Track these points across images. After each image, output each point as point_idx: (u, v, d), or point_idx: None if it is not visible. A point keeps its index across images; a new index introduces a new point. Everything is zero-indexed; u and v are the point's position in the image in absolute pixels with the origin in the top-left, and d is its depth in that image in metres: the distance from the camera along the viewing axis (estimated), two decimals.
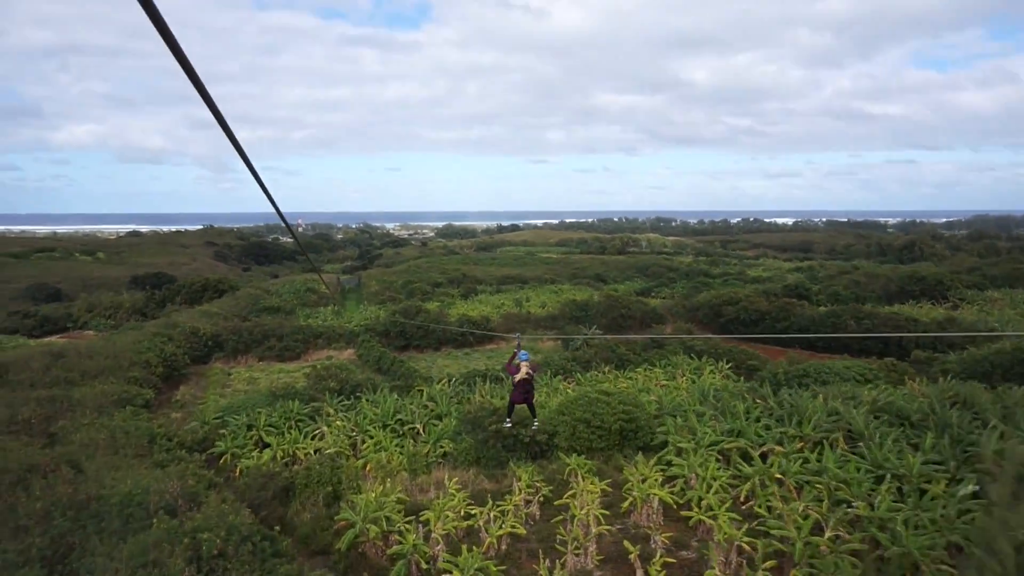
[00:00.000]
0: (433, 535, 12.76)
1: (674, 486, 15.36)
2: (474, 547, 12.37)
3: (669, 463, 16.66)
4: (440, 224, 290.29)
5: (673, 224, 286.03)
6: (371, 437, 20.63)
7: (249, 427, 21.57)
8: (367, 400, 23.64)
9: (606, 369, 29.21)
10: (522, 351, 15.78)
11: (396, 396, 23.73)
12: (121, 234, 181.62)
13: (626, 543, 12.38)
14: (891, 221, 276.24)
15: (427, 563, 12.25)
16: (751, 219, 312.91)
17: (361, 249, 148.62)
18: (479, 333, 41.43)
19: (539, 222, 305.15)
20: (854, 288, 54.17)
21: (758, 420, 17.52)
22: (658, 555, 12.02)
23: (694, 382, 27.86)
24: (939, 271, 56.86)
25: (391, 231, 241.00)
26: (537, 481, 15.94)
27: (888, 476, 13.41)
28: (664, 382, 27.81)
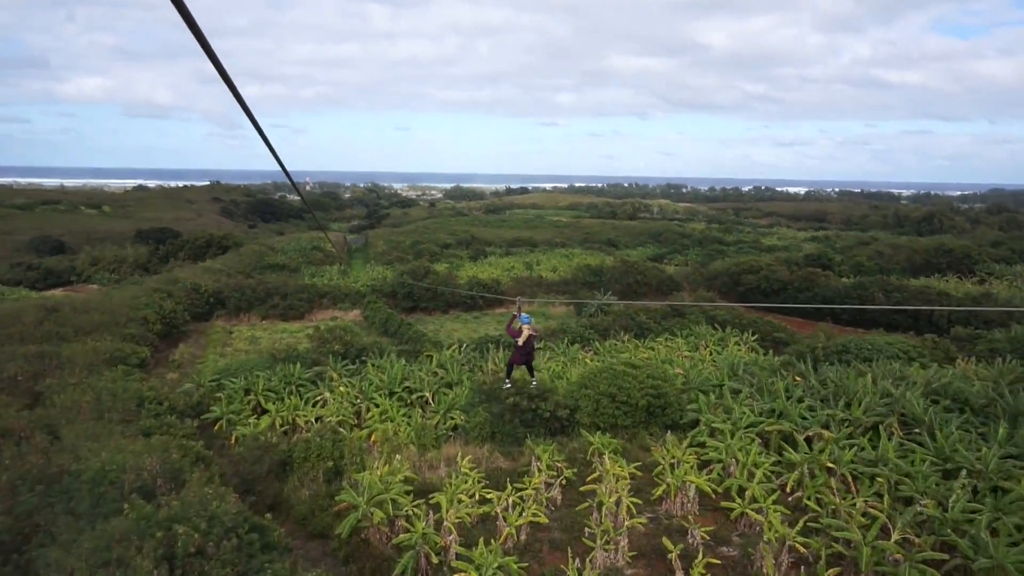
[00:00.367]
0: (445, 523, 11.35)
1: (710, 472, 13.92)
2: (492, 540, 10.98)
3: (702, 445, 15.23)
4: (448, 185, 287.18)
5: (684, 191, 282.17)
6: (376, 406, 19.24)
7: (247, 391, 20.21)
8: (373, 365, 22.22)
9: (625, 338, 27.67)
10: (524, 314, 14.60)
11: (404, 362, 22.29)
12: (128, 189, 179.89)
13: (665, 541, 10.93)
14: (905, 192, 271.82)
15: (438, 555, 10.87)
16: (763, 187, 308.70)
17: (369, 208, 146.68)
18: (490, 296, 39.87)
19: (548, 186, 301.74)
20: (877, 259, 52.26)
21: (800, 400, 15.99)
22: (701, 554, 10.58)
23: (718, 354, 26.34)
24: (966, 244, 54.77)
25: (399, 191, 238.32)
26: (558, 461, 14.52)
27: (964, 471, 11.84)
28: (687, 353, 26.28)
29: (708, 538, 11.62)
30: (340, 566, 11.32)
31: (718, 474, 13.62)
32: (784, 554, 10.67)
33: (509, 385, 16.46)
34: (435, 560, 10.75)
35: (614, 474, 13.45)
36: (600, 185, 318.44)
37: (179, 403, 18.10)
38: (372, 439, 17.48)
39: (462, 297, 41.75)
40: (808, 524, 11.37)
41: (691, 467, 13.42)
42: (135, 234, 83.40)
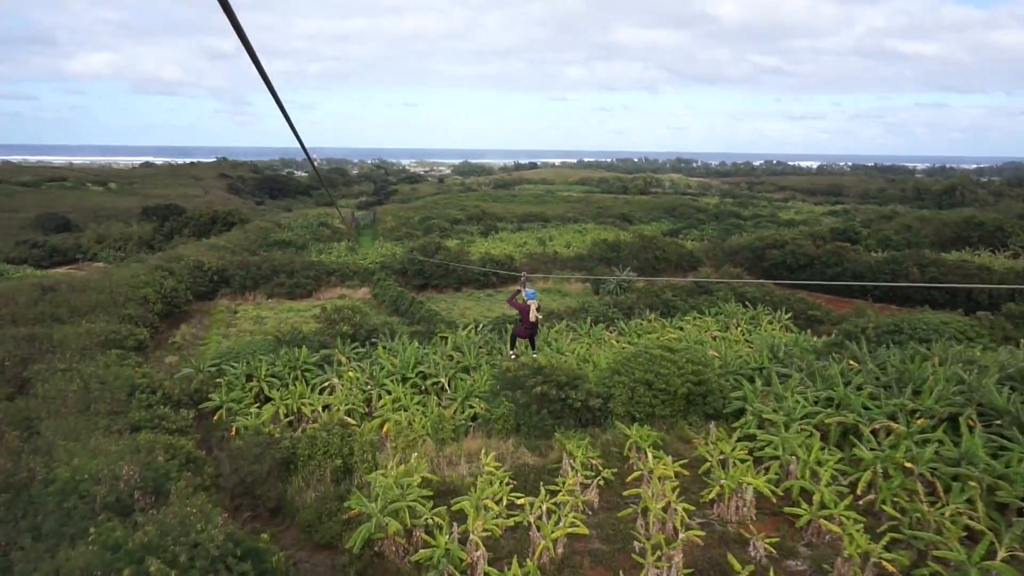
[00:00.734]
0: (471, 537, 9.86)
1: (766, 470, 12.36)
2: (526, 556, 9.50)
3: (751, 438, 13.66)
4: (456, 161, 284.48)
5: (694, 165, 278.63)
6: (388, 392, 17.74)
7: (249, 377, 18.74)
8: (384, 348, 20.72)
9: (651, 316, 26.04)
10: (529, 289, 15.13)
11: (417, 344, 20.77)
12: (135, 166, 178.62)
13: (731, 558, 9.41)
14: (919, 166, 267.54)
15: (463, 574, 9.39)
16: (774, 162, 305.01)
17: (376, 184, 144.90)
18: (503, 274, 38.28)
19: (556, 161, 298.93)
20: (905, 233, 50.20)
21: (859, 388, 14.37)
22: (772, 573, 9.06)
23: (751, 333, 24.71)
24: (998, 216, 52.59)
25: (407, 167, 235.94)
26: (592, 458, 13.00)
27: None
28: (717, 333, 24.64)
29: (773, 551, 10.10)
30: None
31: (775, 473, 12.05)
32: (867, 572, 9.14)
33: (514, 355, 17.06)
34: None
35: (658, 474, 11.93)
36: (609, 160, 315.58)
37: (174, 391, 16.64)
38: (384, 430, 16.01)
39: (475, 274, 40.20)
40: (885, 533, 9.84)
41: (747, 467, 11.84)
42: (141, 211, 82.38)
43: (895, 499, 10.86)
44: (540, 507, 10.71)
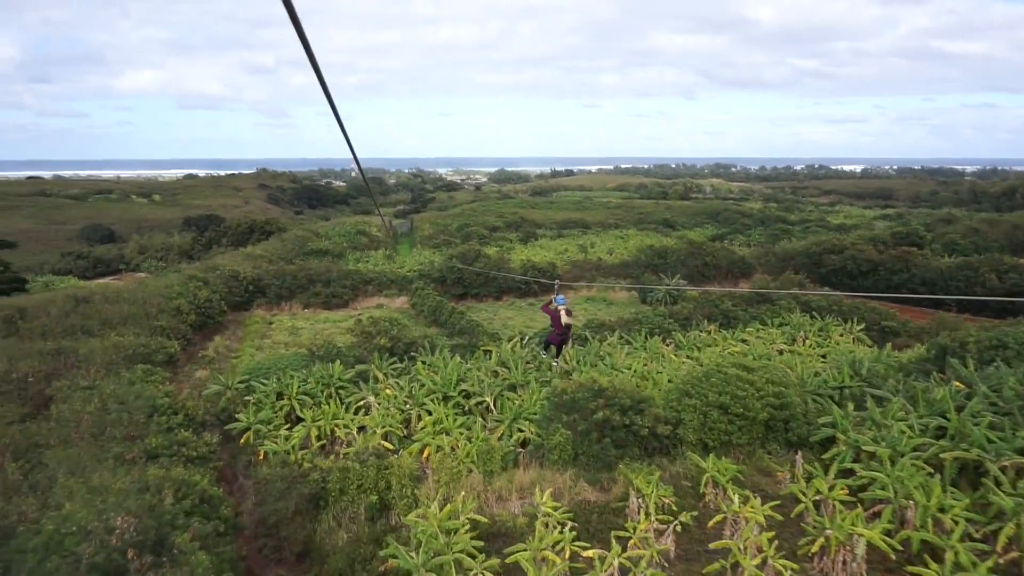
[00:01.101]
0: None
1: (875, 515, 10.45)
2: None
3: (849, 472, 11.76)
4: (493, 169, 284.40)
5: (733, 170, 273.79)
6: (429, 413, 16.22)
7: (279, 395, 17.40)
8: (423, 363, 19.22)
9: (710, 328, 24.09)
10: (560, 296, 16.16)
11: (458, 359, 19.23)
12: (178, 178, 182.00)
13: None
14: (968, 169, 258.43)
15: None
16: (816, 166, 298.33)
17: (414, 193, 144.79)
18: (546, 282, 36.66)
19: (593, 168, 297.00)
20: (972, 237, 47.14)
21: (975, 416, 12.33)
22: None
23: (821, 347, 22.58)
24: None
25: (443, 176, 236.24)
26: (665, 496, 11.24)
27: None
28: (784, 346, 22.60)
29: None
30: None
31: (889, 521, 10.13)
32: None
33: (546, 355, 18.06)
34: None
35: (745, 516, 10.14)
36: (646, 166, 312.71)
37: (199, 412, 15.36)
38: (425, 455, 14.49)
39: (516, 282, 38.67)
40: None
41: (857, 515, 9.93)
42: (183, 221, 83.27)
43: None
44: (612, 563, 9.00)
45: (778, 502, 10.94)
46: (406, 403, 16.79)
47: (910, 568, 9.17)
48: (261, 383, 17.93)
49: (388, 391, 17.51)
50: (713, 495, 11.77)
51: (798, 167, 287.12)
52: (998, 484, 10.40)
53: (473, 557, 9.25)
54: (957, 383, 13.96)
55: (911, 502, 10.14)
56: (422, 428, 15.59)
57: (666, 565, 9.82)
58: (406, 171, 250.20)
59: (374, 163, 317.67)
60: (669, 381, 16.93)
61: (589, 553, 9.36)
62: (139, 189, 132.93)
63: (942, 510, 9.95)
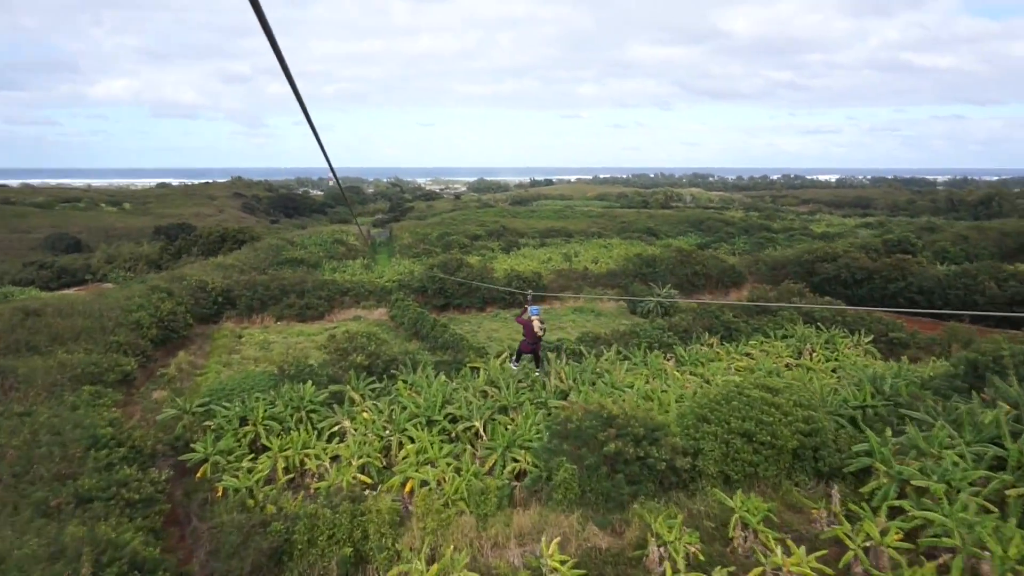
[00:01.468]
0: None
1: (944, 570, 8.92)
2: None
3: (897, 511, 10.24)
4: (472, 179, 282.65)
5: (710, 180, 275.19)
6: (411, 440, 14.50)
7: (243, 420, 15.56)
8: (404, 383, 17.48)
9: (711, 341, 22.60)
10: (534, 306, 15.64)
11: (443, 378, 17.52)
12: (151, 187, 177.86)
13: None
14: (940, 178, 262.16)
15: None
16: (792, 176, 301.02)
17: (392, 202, 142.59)
18: (532, 293, 35.05)
19: (572, 178, 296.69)
20: (962, 244, 46.39)
21: None
22: None
23: (828, 361, 21.17)
24: None
25: (422, 185, 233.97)
26: (691, 544, 9.61)
27: None
28: (789, 360, 21.16)
29: None
30: None
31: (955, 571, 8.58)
32: None
33: (516, 368, 16.95)
34: None
35: (789, 569, 8.56)
36: (625, 176, 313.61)
37: (147, 443, 13.45)
38: (407, 489, 12.76)
39: (500, 293, 36.99)
40: None
41: (932, 569, 8.38)
42: (153, 230, 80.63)
43: None
44: None
45: (824, 552, 9.37)
46: (385, 428, 15.03)
47: None
48: (223, 407, 16.05)
49: (365, 415, 15.74)
50: (742, 538, 10.20)
51: (774, 177, 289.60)
52: None
53: None
54: (1002, 402, 12.53)
55: (986, 552, 8.62)
56: (404, 458, 13.86)
57: None
58: (384, 180, 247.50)
59: (352, 172, 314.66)
60: (677, 402, 15.34)
61: None
62: (109, 198, 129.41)
63: (1019, 561, 8.44)
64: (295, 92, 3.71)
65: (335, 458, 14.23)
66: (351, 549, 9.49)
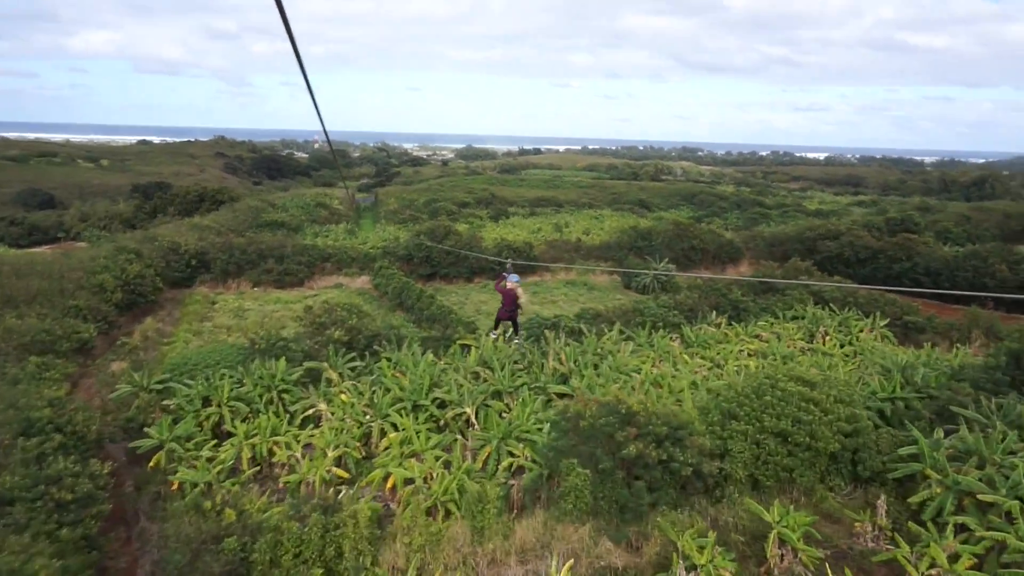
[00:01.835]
0: None
1: None
2: None
3: (962, 528, 8.85)
4: (460, 146, 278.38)
5: (699, 154, 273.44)
6: (395, 427, 12.95)
7: (206, 401, 13.89)
8: (388, 361, 15.86)
9: (719, 321, 21.11)
10: (513, 274, 14.69)
11: (431, 356, 15.92)
12: (132, 144, 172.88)
13: None
14: (928, 160, 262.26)
15: None
16: (781, 152, 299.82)
17: (378, 167, 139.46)
18: (521, 263, 33.39)
19: (560, 148, 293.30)
20: (964, 225, 45.26)
21: None
22: None
23: (845, 345, 19.78)
24: None
25: (409, 151, 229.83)
26: (724, 569, 8.16)
27: None
28: (800, 342, 19.74)
29: None
30: None
31: None
32: None
33: (495, 336, 16.11)
34: None
35: None
36: (614, 148, 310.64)
37: (92, 426, 11.75)
38: (389, 485, 11.24)
39: (490, 263, 35.30)
40: None
41: None
42: (131, 188, 77.68)
43: None
44: None
45: (828, 545, 7.95)
46: (366, 414, 13.45)
47: None
48: (184, 385, 14.37)
49: (344, 397, 14.14)
50: (779, 556, 8.78)
51: (763, 153, 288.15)
52: None
53: None
54: None
55: None
56: (386, 449, 12.31)
57: None
58: (371, 145, 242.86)
59: (339, 136, 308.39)
60: (691, 389, 13.85)
61: None
62: (87, 153, 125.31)
63: None
64: (294, 47, 3.56)
65: (308, 447, 12.65)
66: (322, 570, 7.94)
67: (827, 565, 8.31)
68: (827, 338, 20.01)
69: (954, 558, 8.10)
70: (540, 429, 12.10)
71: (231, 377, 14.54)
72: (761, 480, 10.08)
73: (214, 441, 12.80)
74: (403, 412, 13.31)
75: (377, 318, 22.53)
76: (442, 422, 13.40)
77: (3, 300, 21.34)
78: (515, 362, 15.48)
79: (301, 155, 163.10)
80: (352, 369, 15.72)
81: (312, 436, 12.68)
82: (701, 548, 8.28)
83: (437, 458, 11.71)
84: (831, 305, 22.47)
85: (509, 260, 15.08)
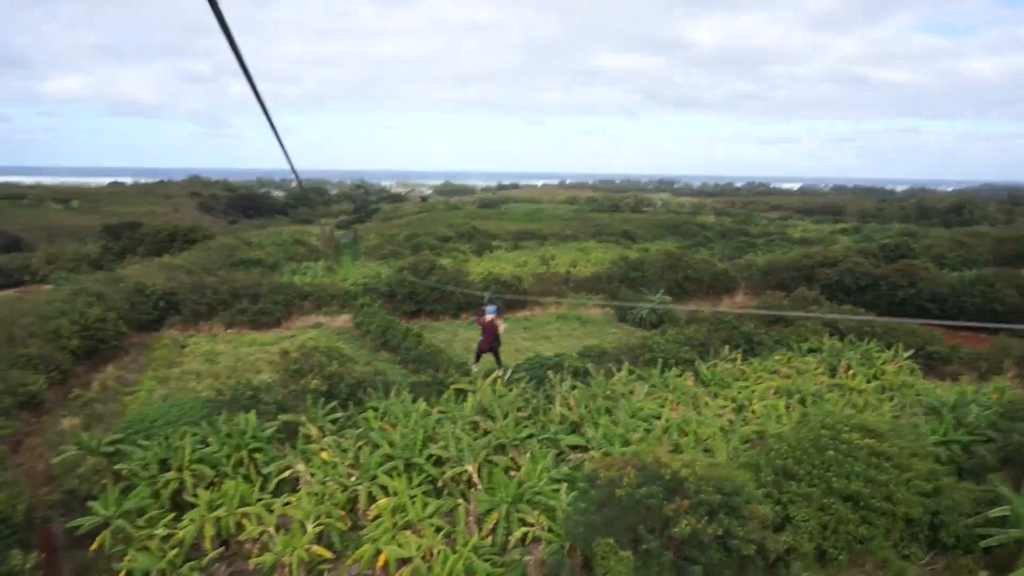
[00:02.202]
0: None
1: None
2: None
3: None
4: (438, 182, 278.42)
5: (676, 186, 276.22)
6: (385, 491, 11.10)
7: (163, 464, 11.95)
8: (375, 412, 14.03)
9: (732, 355, 19.50)
10: (491, 306, 15.51)
11: (423, 404, 14.13)
12: (104, 185, 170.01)
13: None
14: (899, 188, 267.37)
15: None
16: (755, 183, 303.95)
17: (357, 204, 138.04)
18: (509, 297, 31.83)
19: (538, 182, 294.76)
20: (958, 250, 44.59)
21: None
22: None
23: (872, 380, 18.24)
24: None
25: (387, 187, 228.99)
26: None
27: None
28: (822, 377, 18.20)
29: None
30: None
31: None
32: None
33: (475, 369, 16.66)
34: None
35: None
36: (591, 182, 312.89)
37: (18, 508, 9.78)
38: (381, 563, 9.38)
39: (477, 298, 33.65)
40: None
41: None
42: (101, 229, 75.29)
43: None
44: None
45: None
46: (351, 475, 11.59)
47: None
48: (139, 446, 12.41)
49: (325, 455, 12.27)
50: None
51: (738, 184, 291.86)
52: None
53: None
54: None
55: None
56: (375, 518, 10.45)
57: None
58: (348, 182, 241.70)
59: (316, 175, 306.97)
60: (721, 436, 12.16)
61: None
62: (57, 195, 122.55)
63: None
64: (252, 86, 3.57)
65: (284, 517, 10.74)
66: None
67: None
68: (851, 372, 18.49)
69: None
70: (556, 491, 10.35)
71: (194, 435, 12.61)
72: (830, 552, 8.39)
73: (172, 515, 10.83)
74: (394, 473, 11.47)
75: (360, 360, 20.67)
76: (440, 483, 11.57)
77: None
78: (519, 409, 13.72)
79: (278, 193, 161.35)
80: (334, 422, 13.83)
81: (288, 505, 10.78)
82: None
83: (437, 529, 9.90)
84: (848, 337, 21.04)
85: (487, 292, 15.04)
